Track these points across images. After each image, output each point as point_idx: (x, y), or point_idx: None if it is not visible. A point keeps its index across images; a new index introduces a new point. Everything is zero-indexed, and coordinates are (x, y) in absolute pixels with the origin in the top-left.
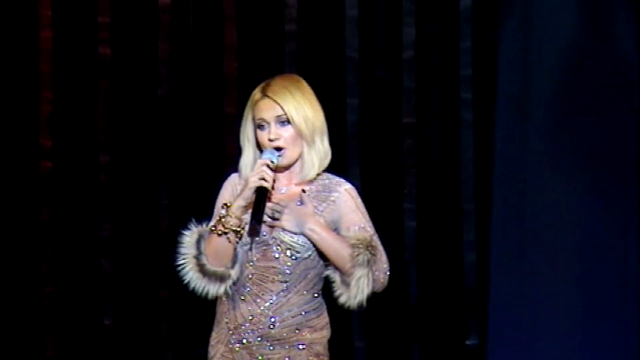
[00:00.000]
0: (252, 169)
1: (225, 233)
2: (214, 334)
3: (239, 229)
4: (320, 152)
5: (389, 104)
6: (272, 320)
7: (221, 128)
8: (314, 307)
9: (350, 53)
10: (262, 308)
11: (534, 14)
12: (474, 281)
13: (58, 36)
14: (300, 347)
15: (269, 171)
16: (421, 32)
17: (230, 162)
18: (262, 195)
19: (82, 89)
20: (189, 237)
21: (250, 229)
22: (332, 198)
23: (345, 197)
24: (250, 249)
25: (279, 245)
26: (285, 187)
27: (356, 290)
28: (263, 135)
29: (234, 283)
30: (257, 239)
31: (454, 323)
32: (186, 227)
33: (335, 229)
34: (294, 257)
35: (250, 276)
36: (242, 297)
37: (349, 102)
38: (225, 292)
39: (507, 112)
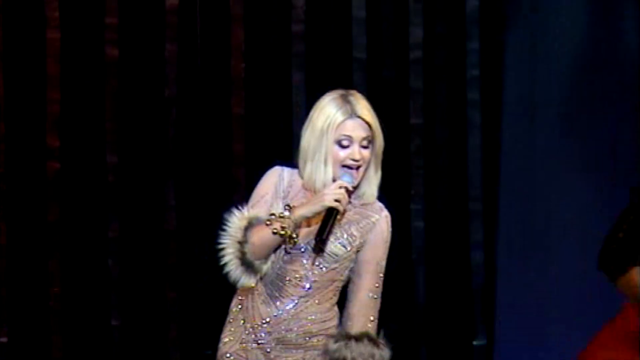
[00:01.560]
0: (321, 182)
1: (281, 234)
2: (227, 331)
3: (295, 237)
4: (379, 177)
5: (396, 104)
6: (290, 325)
7: (228, 129)
8: (330, 316)
9: (357, 54)
10: (281, 311)
11: (541, 15)
12: (481, 281)
13: (65, 37)
14: (315, 352)
15: (346, 195)
16: (428, 33)
17: (237, 163)
18: (332, 215)
19: (89, 90)
20: (237, 220)
21: (315, 246)
22: (373, 219)
23: (383, 224)
24: (279, 252)
25: (310, 252)
26: None
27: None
28: (342, 153)
29: (255, 284)
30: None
31: (461, 323)
32: (237, 208)
33: (358, 249)
34: (321, 267)
35: (274, 278)
36: (263, 298)
37: None
38: (249, 287)
39: (514, 113)
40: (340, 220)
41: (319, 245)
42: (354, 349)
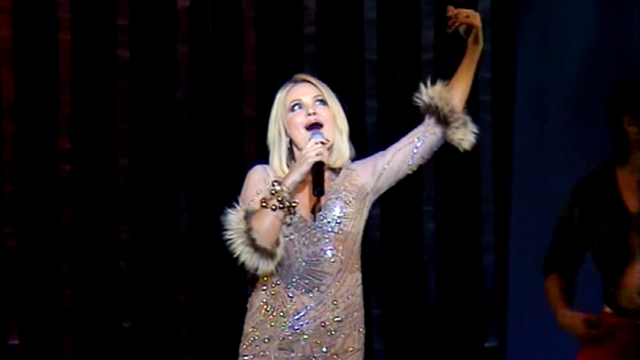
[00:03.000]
0: (283, 164)
1: (281, 207)
2: (254, 331)
3: (294, 204)
4: (346, 143)
5: (408, 106)
6: (335, 303)
7: (240, 130)
8: (359, 283)
9: (369, 55)
10: (323, 294)
11: (552, 16)
12: (493, 283)
13: (77, 39)
14: (359, 330)
15: (324, 149)
16: (440, 34)
17: (249, 164)
18: (320, 169)
19: (100, 92)
20: (235, 215)
21: (316, 204)
22: (351, 173)
23: (357, 165)
24: (294, 238)
25: (326, 224)
26: None
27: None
28: (298, 115)
29: (284, 277)
30: (301, 226)
31: (472, 325)
32: (231, 207)
33: (374, 185)
34: (341, 233)
35: (301, 266)
36: (297, 288)
37: (368, 105)
38: (272, 274)
39: (526, 114)
40: (326, 190)
41: (319, 199)
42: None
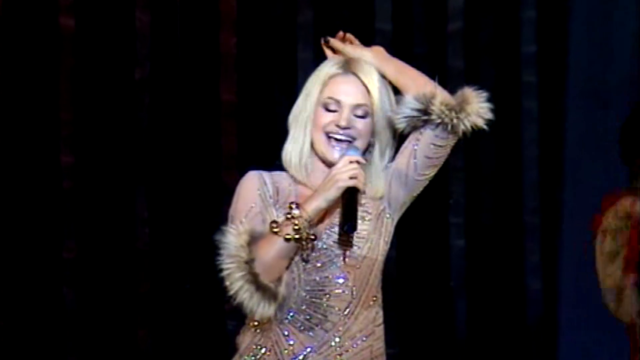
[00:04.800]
0: (297, 157)
1: (297, 239)
2: None
3: (312, 237)
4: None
5: None
6: (343, 346)
7: (216, 120)
8: (379, 322)
9: (380, 24)
10: (328, 334)
11: None
12: (539, 314)
13: (6, 2)
14: None
15: (360, 170)
16: None
17: (228, 163)
18: (354, 197)
19: (38, 70)
20: (235, 237)
21: (340, 239)
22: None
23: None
24: (294, 262)
25: (333, 245)
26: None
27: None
28: (326, 117)
29: (280, 309)
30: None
31: None
32: (227, 224)
33: (387, 195)
34: (353, 257)
35: (300, 298)
36: (295, 325)
37: None
38: (270, 318)
39: (581, 99)
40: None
41: (348, 234)
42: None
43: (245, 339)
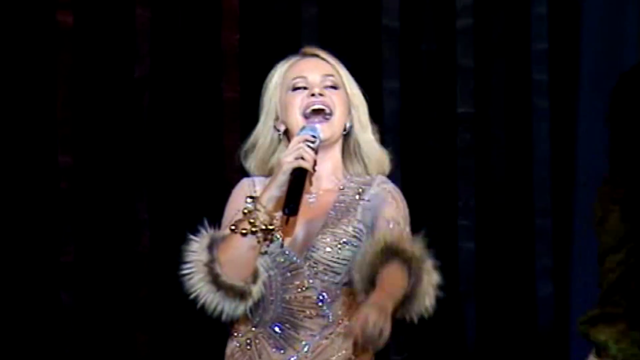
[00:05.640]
0: (265, 164)
1: (254, 232)
2: None
3: (271, 227)
4: (374, 144)
5: (438, 87)
6: None
7: (219, 119)
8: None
9: (387, 21)
10: (299, 354)
11: None
12: (551, 319)
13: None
14: None
15: (309, 150)
16: None
17: (231, 163)
18: (299, 178)
19: (35, 68)
20: (198, 243)
21: (285, 221)
22: (365, 195)
23: (381, 194)
24: (272, 275)
25: (312, 266)
26: (314, 193)
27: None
28: (298, 96)
29: (256, 324)
30: (280, 260)
31: None
32: (195, 232)
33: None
34: (334, 281)
35: (278, 312)
36: (271, 342)
37: (387, 86)
38: (244, 325)
39: (593, 97)
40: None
41: (289, 218)
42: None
43: (227, 351)
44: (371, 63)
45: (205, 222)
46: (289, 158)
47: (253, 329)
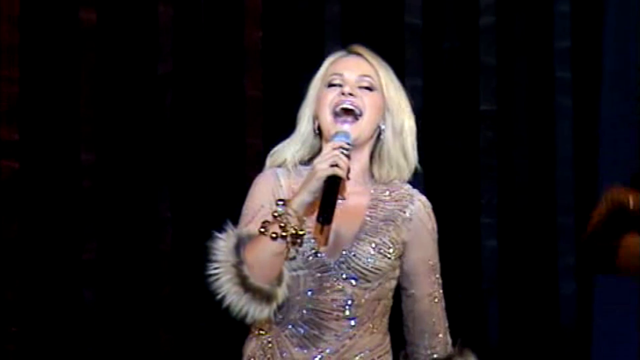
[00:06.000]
0: (296, 158)
1: (283, 236)
2: None
3: (302, 233)
4: (410, 152)
5: (460, 85)
6: None
7: (241, 117)
8: (385, 349)
9: (410, 19)
10: (323, 355)
11: None
12: (573, 317)
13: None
14: None
15: (344, 157)
16: None
17: (252, 161)
18: (333, 186)
19: (58, 66)
20: (224, 242)
21: (316, 231)
22: (405, 210)
23: (422, 214)
24: (301, 275)
25: (345, 270)
26: (342, 195)
27: None
28: (331, 94)
29: (278, 323)
30: (312, 261)
31: None
32: (221, 231)
33: (400, 254)
34: (363, 287)
35: (303, 312)
36: (294, 340)
37: (409, 83)
38: (265, 321)
39: (616, 95)
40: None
41: (324, 229)
42: None
43: (247, 349)
44: (394, 61)
45: (229, 221)
46: (323, 165)
47: (275, 327)
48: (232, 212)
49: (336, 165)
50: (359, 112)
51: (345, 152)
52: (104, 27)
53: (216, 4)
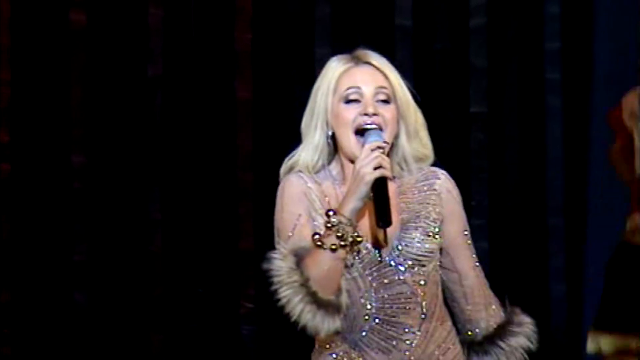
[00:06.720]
0: (316, 161)
1: (343, 245)
2: None
3: (360, 239)
4: (427, 145)
5: (451, 87)
6: None
7: (232, 118)
8: (455, 337)
9: (401, 20)
10: (406, 352)
11: None
12: (564, 320)
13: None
14: None
15: (383, 156)
16: None
17: (243, 163)
18: (382, 188)
19: (48, 68)
20: (283, 262)
21: (378, 235)
22: (435, 187)
23: (447, 185)
24: (358, 277)
25: (402, 261)
26: None
27: None
28: (351, 111)
29: (349, 331)
30: (367, 261)
31: None
32: (271, 248)
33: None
34: (421, 273)
35: (371, 317)
36: (370, 347)
37: None
38: (338, 334)
39: (606, 97)
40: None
41: (385, 230)
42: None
43: None
44: None
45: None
46: (367, 169)
47: (346, 337)
48: (222, 213)
49: (380, 167)
50: (382, 129)
51: (383, 151)
52: (94, 29)
53: (206, 6)
